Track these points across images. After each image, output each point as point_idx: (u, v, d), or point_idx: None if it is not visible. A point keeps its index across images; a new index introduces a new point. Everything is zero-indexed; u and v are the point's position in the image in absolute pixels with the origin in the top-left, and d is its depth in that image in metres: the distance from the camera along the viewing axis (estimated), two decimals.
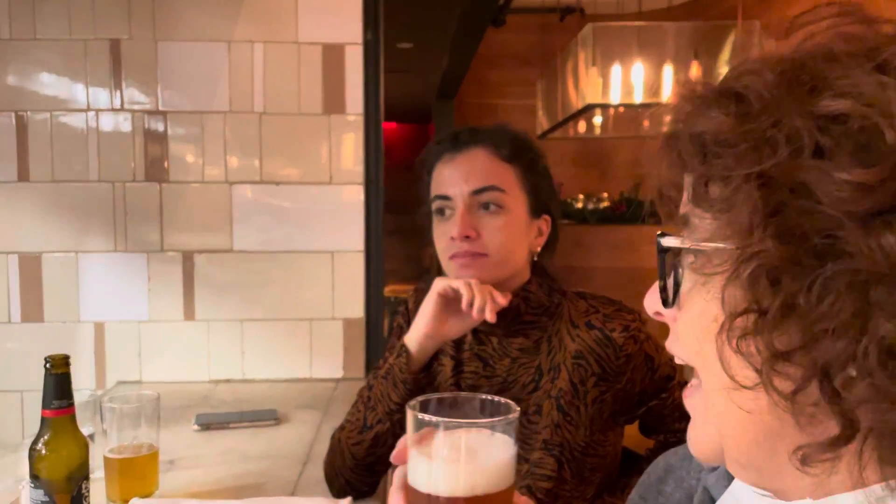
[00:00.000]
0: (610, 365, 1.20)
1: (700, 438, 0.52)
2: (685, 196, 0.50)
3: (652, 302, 0.55)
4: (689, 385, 0.54)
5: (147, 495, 1.20)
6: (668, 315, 0.53)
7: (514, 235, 1.22)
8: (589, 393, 1.20)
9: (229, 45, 2.03)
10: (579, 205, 5.21)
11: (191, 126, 2.04)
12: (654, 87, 4.29)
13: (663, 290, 0.51)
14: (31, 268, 2.03)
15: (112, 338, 2.06)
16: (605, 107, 4.37)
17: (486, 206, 1.21)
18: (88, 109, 2.02)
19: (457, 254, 1.21)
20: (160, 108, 2.03)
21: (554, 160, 1.40)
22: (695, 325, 0.49)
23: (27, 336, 2.03)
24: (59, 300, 2.04)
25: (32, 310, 2.03)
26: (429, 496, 0.57)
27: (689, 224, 0.49)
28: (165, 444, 1.58)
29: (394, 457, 0.59)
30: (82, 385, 1.99)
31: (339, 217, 2.06)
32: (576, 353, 1.21)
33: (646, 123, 4.73)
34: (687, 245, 0.49)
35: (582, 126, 4.78)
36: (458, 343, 1.31)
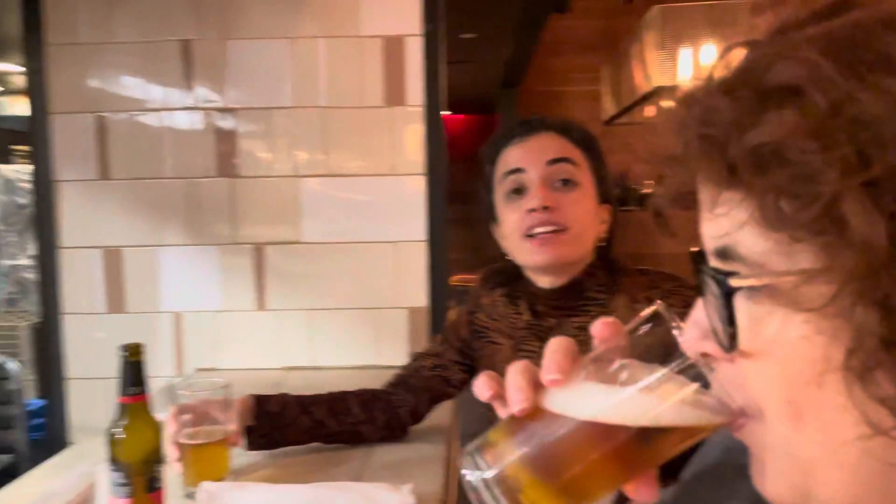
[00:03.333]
0: None
1: (777, 481, 0.44)
2: (723, 222, 0.42)
3: (695, 343, 0.45)
4: (742, 417, 0.46)
5: (218, 480, 1.26)
6: (722, 356, 0.45)
7: (589, 213, 1.24)
8: None
9: (293, 41, 2.07)
10: (646, 191, 5.11)
11: (258, 122, 2.10)
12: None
13: (733, 337, 0.42)
14: (113, 261, 2.13)
15: (189, 327, 2.15)
16: (674, 89, 4.26)
17: (562, 181, 1.22)
18: (163, 109, 2.11)
19: (534, 228, 1.21)
20: (229, 106, 2.10)
21: (620, 147, 1.40)
22: (787, 369, 0.41)
23: (112, 326, 2.14)
24: (141, 292, 2.14)
25: (116, 301, 2.14)
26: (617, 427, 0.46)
27: (737, 253, 0.41)
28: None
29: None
30: (163, 372, 2.09)
31: (401, 208, 2.09)
32: None
33: None
34: (769, 281, 0.40)
35: (650, 111, 4.68)
36: (513, 321, 1.33)
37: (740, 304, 0.42)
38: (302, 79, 2.08)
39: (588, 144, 1.27)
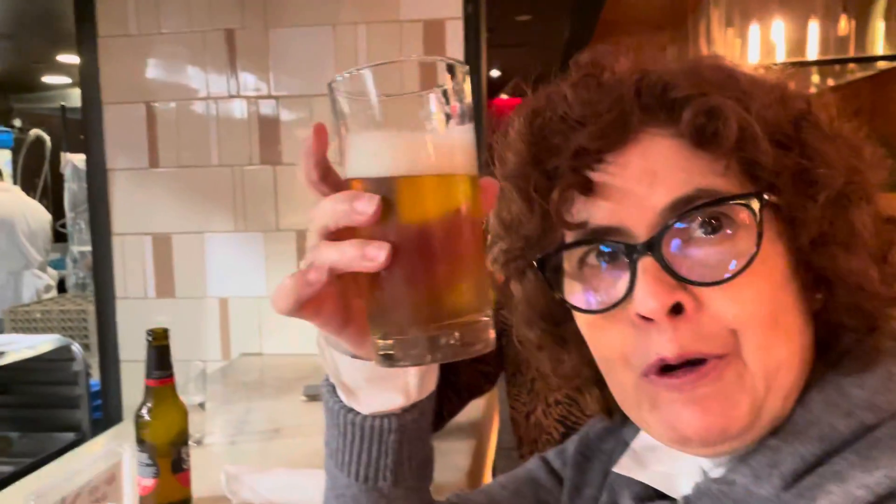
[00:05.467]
0: None
1: (742, 413, 0.47)
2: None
3: (664, 298, 0.46)
4: (705, 367, 0.47)
5: None
6: (692, 304, 0.46)
7: None
8: None
9: (334, 27, 2.07)
10: None
11: (300, 110, 2.11)
12: (798, 45, 3.97)
13: (753, 256, 0.46)
14: (163, 247, 2.19)
15: (235, 312, 2.19)
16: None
17: None
18: (208, 98, 2.14)
19: None
20: (272, 94, 2.12)
21: None
22: (768, 281, 0.47)
23: (162, 310, 2.20)
24: (188, 277, 2.19)
25: (165, 286, 2.20)
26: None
27: (714, 191, 0.48)
28: (273, 413, 1.66)
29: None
30: (209, 356, 2.14)
31: None
32: None
33: (791, 85, 4.39)
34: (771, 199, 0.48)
35: None
36: None
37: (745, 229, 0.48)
38: (343, 65, 2.07)
39: None
